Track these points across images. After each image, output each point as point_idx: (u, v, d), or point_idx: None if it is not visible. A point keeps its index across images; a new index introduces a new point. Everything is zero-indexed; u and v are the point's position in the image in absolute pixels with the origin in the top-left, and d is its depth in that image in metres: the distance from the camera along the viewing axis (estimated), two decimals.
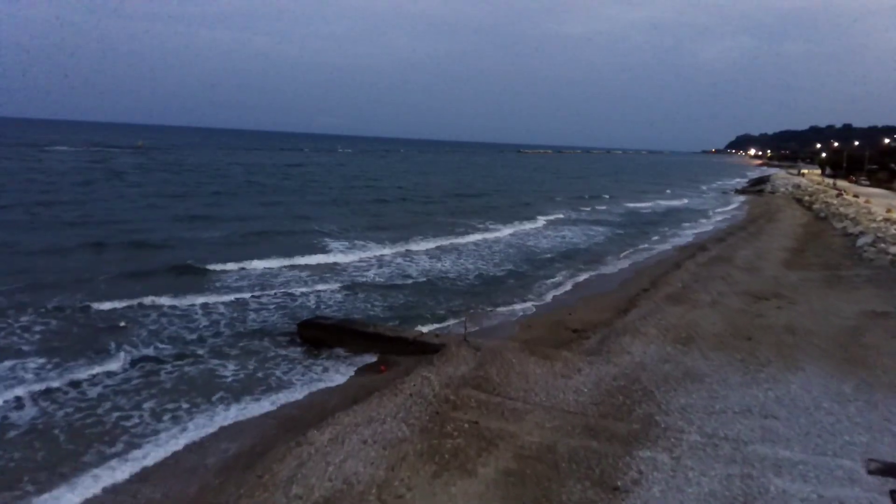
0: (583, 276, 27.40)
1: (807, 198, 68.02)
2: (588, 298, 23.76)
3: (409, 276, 25.45)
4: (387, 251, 30.03)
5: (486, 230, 39.11)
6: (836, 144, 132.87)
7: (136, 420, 12.40)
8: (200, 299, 20.51)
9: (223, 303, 20.42)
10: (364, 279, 24.80)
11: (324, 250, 29.38)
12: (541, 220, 46.09)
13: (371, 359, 16.40)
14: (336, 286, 23.36)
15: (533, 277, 26.65)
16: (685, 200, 73.32)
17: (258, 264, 25.44)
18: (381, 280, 24.74)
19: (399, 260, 28.69)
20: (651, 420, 12.07)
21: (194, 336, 17.33)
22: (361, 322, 17.74)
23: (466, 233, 37.45)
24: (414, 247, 31.59)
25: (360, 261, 28.16)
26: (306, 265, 26.25)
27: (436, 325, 19.40)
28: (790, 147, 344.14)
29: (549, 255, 31.89)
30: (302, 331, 17.70)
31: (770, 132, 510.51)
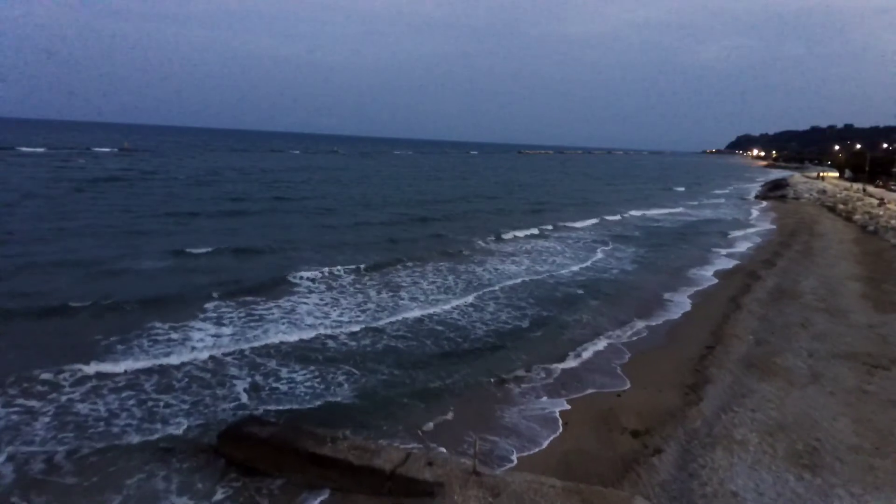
0: (622, 324, 21.28)
1: (841, 206, 62.02)
2: (637, 363, 17.59)
3: (393, 335, 18.79)
4: (372, 293, 23.27)
5: (500, 256, 32.57)
6: (858, 146, 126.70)
7: None
8: (66, 395, 13.59)
9: (110, 400, 13.54)
10: (333, 342, 17.88)
11: (290, 291, 22.75)
12: (558, 238, 40.07)
13: (325, 499, 10.35)
14: (289, 353, 16.83)
15: (561, 326, 20.49)
16: (707, 209, 67.25)
17: (196, 333, 17.79)
18: (355, 344, 17.77)
19: (385, 302, 22.44)
20: None
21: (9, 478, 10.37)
22: (314, 434, 11.51)
23: (473, 258, 31.23)
24: (408, 286, 24.96)
25: (331, 309, 21.83)
26: (259, 334, 18.50)
27: (429, 415, 13.35)
28: (791, 147, 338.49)
29: (575, 290, 25.59)
30: (224, 447, 11.55)
31: (770, 132, 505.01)
